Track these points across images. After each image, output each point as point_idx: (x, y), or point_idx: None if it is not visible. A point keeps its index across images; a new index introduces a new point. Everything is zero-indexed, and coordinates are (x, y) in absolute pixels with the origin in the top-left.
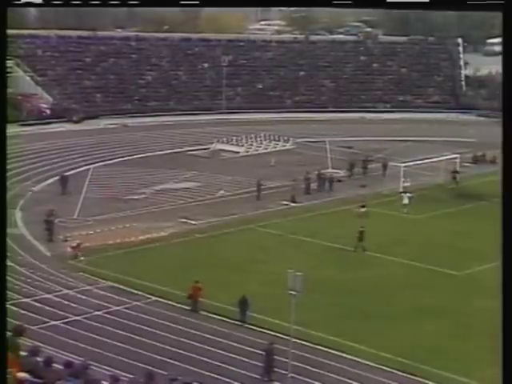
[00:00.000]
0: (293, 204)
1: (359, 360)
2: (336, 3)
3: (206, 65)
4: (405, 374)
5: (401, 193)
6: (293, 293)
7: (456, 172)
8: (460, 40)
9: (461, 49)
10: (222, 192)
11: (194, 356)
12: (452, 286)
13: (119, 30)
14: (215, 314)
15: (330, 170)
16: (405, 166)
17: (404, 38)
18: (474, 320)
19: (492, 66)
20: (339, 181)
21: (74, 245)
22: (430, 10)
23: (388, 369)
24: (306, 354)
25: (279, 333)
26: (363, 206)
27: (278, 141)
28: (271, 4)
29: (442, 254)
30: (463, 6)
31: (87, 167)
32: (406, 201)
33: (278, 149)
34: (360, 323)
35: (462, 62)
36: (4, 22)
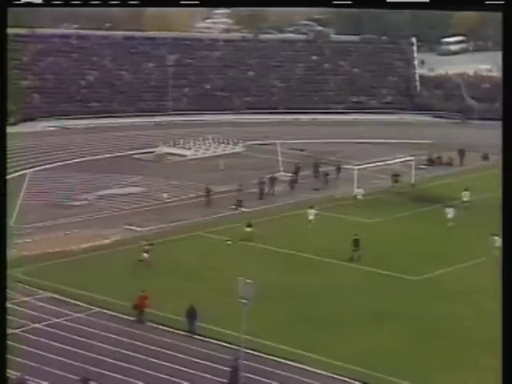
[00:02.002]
0: (243, 209)
1: (311, 369)
2: (336, 3)
3: (150, 64)
4: (358, 383)
5: (355, 196)
6: (244, 301)
7: (397, 175)
8: (414, 39)
9: (415, 48)
10: (165, 195)
11: (138, 369)
12: (409, 291)
13: (60, 27)
14: (162, 324)
15: (281, 174)
16: (359, 169)
17: (356, 38)
18: (432, 325)
19: (448, 66)
20: (291, 185)
21: None
22: (430, 9)
23: (341, 377)
24: (257, 364)
25: (229, 343)
26: (311, 208)
27: (227, 143)
28: (270, 4)
29: (399, 259)
30: (463, 5)
31: (24, 172)
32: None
33: (227, 152)
34: (313, 330)
35: (416, 62)
36: (4, 21)
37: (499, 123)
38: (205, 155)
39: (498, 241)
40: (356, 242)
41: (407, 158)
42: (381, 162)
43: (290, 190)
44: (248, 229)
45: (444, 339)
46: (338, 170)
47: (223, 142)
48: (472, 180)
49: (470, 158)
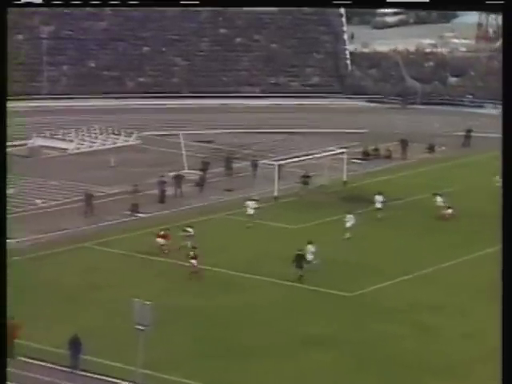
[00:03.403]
0: (140, 215)
1: None
2: (336, 3)
3: (20, 37)
4: None
5: (276, 198)
6: (140, 327)
7: (307, 177)
8: (342, 9)
9: (344, 20)
10: (39, 201)
11: None
12: (342, 309)
13: None
14: (37, 359)
15: (186, 171)
16: (280, 165)
17: (274, 8)
18: (370, 348)
19: (384, 41)
20: (199, 184)
21: None
22: (430, 9)
23: None
24: None
25: (121, 379)
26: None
27: (119, 134)
28: (270, 4)
29: (329, 272)
30: (463, 5)
31: None
32: (250, 211)
33: (118, 145)
34: (228, 361)
35: (346, 36)
36: (4, 21)
37: (446, 108)
38: (91, 149)
39: None
40: (299, 260)
41: (338, 151)
42: (306, 156)
43: (196, 191)
44: (160, 240)
45: (385, 363)
46: (255, 166)
47: (114, 133)
48: (414, 176)
49: (413, 149)
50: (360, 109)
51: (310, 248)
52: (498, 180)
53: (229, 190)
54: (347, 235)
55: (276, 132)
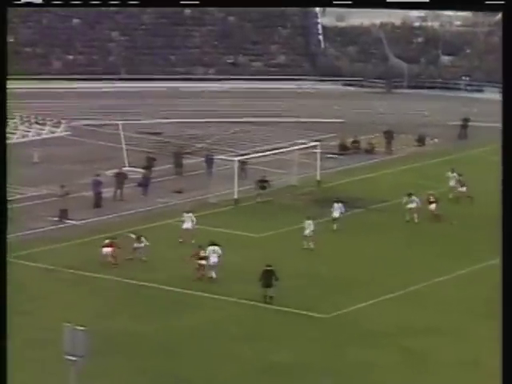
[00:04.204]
0: (71, 222)
1: None
2: (336, 3)
3: None
4: None
5: (236, 200)
6: (71, 358)
7: (264, 181)
8: None
9: None
10: None
11: None
12: (316, 333)
13: None
14: None
15: (127, 169)
16: (240, 161)
17: None
18: (347, 378)
19: (364, 14)
20: (143, 185)
21: None
22: (430, 9)
23: None
24: None
25: None
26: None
27: (44, 124)
28: (270, 4)
29: (299, 290)
30: (463, 5)
31: None
32: (186, 225)
33: (43, 136)
34: None
35: (317, 8)
36: (4, 21)
37: (438, 93)
38: (8, 141)
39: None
40: (267, 277)
41: (310, 145)
42: (271, 150)
43: (139, 193)
44: (106, 249)
45: None
46: (210, 162)
47: (37, 123)
48: (401, 174)
49: (400, 142)
50: (335, 93)
51: (214, 249)
52: (451, 176)
53: (178, 192)
54: (311, 245)
55: (235, 122)
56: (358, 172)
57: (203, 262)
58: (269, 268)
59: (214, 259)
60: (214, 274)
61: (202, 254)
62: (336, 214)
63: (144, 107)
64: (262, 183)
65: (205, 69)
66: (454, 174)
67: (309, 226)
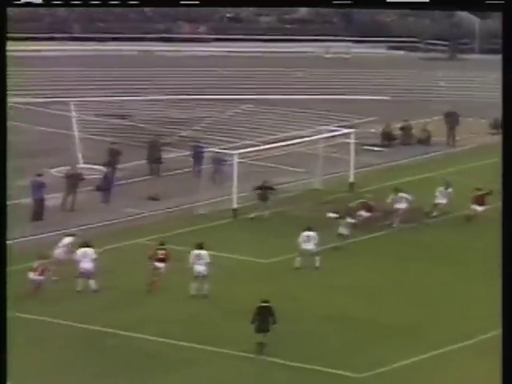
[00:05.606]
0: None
1: None
2: (336, 3)
3: None
4: None
5: (235, 210)
6: None
7: (266, 188)
8: None
9: None
10: None
11: None
12: None
13: None
14: None
15: (81, 166)
16: (241, 155)
17: None
18: None
19: None
20: (103, 189)
21: None
22: (430, 9)
23: None
24: None
25: None
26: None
27: None
28: (270, 4)
29: (324, 339)
30: (463, 5)
31: None
32: None
33: None
34: None
35: None
36: (4, 21)
37: None
38: None
39: None
40: (264, 316)
41: (340, 132)
42: (286, 140)
43: (98, 200)
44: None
45: None
46: (200, 156)
47: None
48: (470, 173)
49: (467, 128)
50: (378, 60)
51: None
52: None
53: (154, 199)
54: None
55: (234, 99)
56: (408, 171)
57: (161, 264)
58: (265, 304)
59: (200, 268)
60: (205, 291)
61: (161, 254)
62: (342, 230)
63: (106, 79)
64: (262, 191)
65: (192, 25)
66: None
67: (312, 238)
